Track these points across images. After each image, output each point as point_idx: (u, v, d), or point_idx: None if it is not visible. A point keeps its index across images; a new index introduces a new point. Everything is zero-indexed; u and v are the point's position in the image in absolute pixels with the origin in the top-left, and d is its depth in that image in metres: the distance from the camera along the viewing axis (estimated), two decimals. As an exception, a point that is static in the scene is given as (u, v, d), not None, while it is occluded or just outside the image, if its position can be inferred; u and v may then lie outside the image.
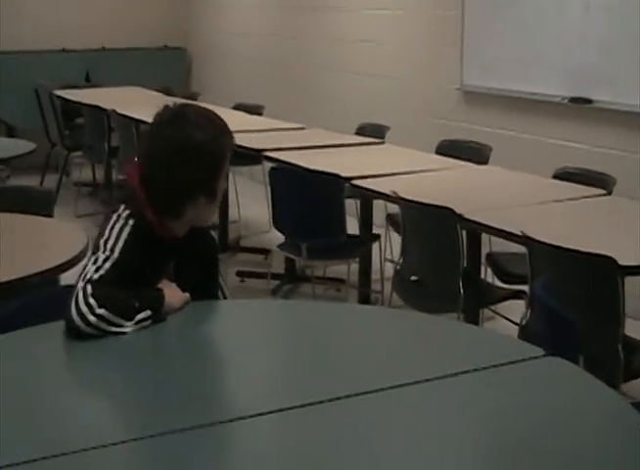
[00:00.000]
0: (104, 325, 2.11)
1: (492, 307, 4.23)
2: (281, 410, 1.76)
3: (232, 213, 6.37)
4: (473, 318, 4.10)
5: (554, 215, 3.69)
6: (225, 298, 2.56)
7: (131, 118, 6.31)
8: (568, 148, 5.21)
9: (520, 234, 3.21)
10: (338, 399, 1.80)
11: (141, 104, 6.88)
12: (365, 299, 4.99)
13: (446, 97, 6.12)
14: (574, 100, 5.12)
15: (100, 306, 2.10)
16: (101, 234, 2.26)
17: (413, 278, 3.89)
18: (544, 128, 5.39)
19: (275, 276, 5.52)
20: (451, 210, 3.57)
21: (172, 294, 2.26)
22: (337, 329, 2.32)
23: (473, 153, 4.94)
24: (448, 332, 2.26)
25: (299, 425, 1.74)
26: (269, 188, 4.72)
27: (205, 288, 2.46)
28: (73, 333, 2.11)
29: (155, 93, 7.81)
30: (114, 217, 2.29)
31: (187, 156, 2.25)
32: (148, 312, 2.17)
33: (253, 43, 8.40)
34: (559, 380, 1.90)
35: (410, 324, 2.36)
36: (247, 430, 1.73)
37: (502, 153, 5.12)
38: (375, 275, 5.02)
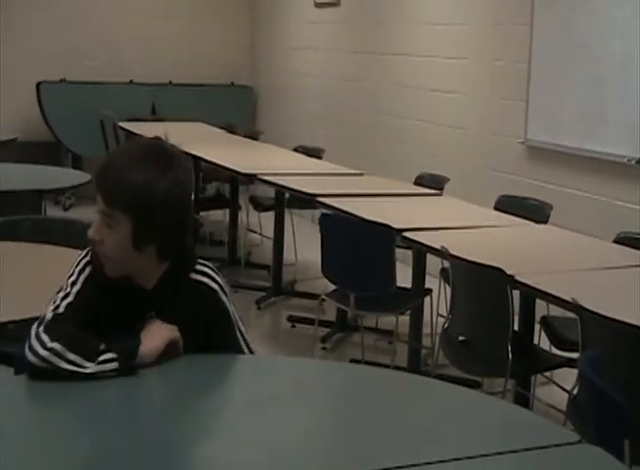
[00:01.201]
0: (57, 360, 1.99)
1: (546, 374, 4.07)
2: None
3: (289, 256, 6.32)
4: (523, 384, 3.96)
5: (610, 283, 3.53)
6: (251, 352, 2.32)
7: (191, 155, 6.32)
8: (633, 211, 5.04)
9: (570, 301, 3.07)
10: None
11: (203, 140, 6.92)
12: (414, 354, 4.85)
13: (509, 151, 6.01)
14: (642, 161, 4.98)
15: (52, 340, 1.99)
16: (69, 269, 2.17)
17: (460, 338, 3.76)
18: (608, 189, 5.24)
19: (325, 324, 5.43)
20: (501, 270, 3.44)
21: (152, 339, 2.09)
22: (378, 397, 2.21)
23: (532, 210, 4.81)
24: (488, 409, 2.14)
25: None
26: (320, 235, 4.66)
27: (214, 344, 2.24)
28: (28, 371, 2.01)
29: (217, 130, 7.85)
30: (83, 253, 2.19)
31: (150, 203, 2.08)
32: (111, 355, 2.02)
33: (319, 85, 8.41)
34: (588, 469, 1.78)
35: (449, 397, 2.24)
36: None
37: (563, 212, 4.98)
38: (426, 329, 4.89)
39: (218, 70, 9.37)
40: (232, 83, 9.48)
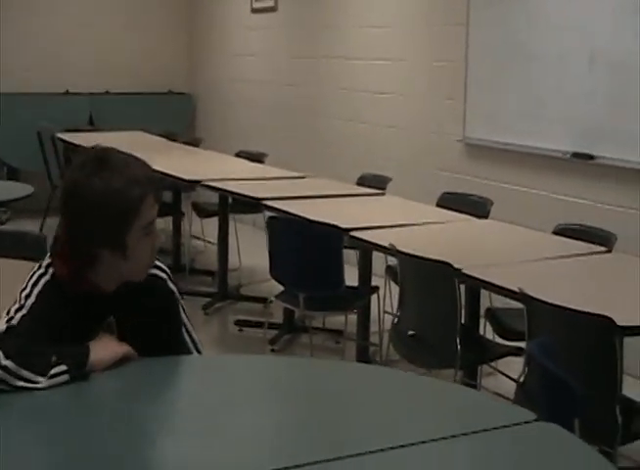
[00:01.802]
0: (11, 378, 1.98)
1: (492, 364, 4.17)
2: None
3: (233, 261, 6.35)
4: (471, 375, 4.05)
5: (553, 272, 3.65)
6: (199, 352, 2.37)
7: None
8: (569, 203, 5.19)
9: (517, 291, 3.16)
10: (327, 460, 1.76)
11: (143, 148, 6.84)
12: (363, 351, 4.93)
13: (449, 149, 6.12)
14: (577, 155, 5.12)
15: (6, 358, 1.98)
16: (24, 283, 2.16)
17: (410, 333, 3.84)
18: (546, 183, 5.38)
19: (274, 326, 5.47)
20: (449, 264, 3.53)
21: (102, 348, 2.11)
22: (331, 388, 2.27)
23: (474, 206, 4.92)
24: (442, 393, 2.21)
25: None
26: (267, 237, 4.70)
27: (166, 344, 2.28)
28: None
29: (157, 138, 7.84)
30: (37, 266, 2.19)
31: (81, 209, 2.10)
32: (63, 367, 2.02)
33: (258, 91, 8.45)
34: (550, 447, 1.85)
35: (404, 384, 2.31)
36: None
37: (503, 207, 5.10)
38: (374, 327, 4.97)
39: (156, 78, 9.34)
40: (170, 91, 9.46)
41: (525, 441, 1.88)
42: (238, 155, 6.97)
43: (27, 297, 2.12)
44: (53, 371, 2.01)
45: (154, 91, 9.29)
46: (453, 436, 1.88)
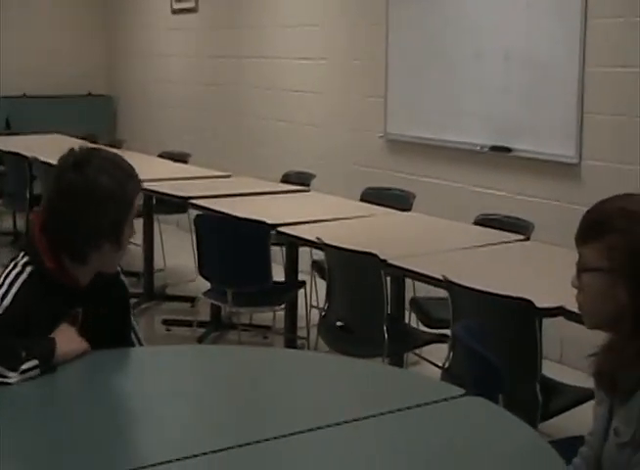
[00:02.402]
0: None
1: (417, 352, 4.27)
2: (205, 454, 1.75)
3: (158, 262, 6.34)
4: (397, 363, 4.15)
5: (475, 260, 3.77)
6: (141, 344, 2.49)
7: (54, 166, 6.25)
8: (489, 195, 5.34)
9: (442, 278, 3.27)
10: (259, 442, 1.81)
11: (63, 151, 6.83)
12: (291, 345, 4.99)
13: (371, 145, 6.23)
14: (495, 148, 5.27)
15: None
16: None
17: (339, 324, 3.91)
18: (466, 176, 5.52)
19: (202, 324, 5.49)
20: (375, 255, 3.62)
21: (67, 341, 2.18)
22: (261, 373, 2.33)
23: (396, 200, 5.03)
24: (371, 374, 2.29)
25: (224, 468, 1.74)
26: (194, 236, 4.72)
27: (119, 335, 2.40)
28: None
29: (77, 141, 7.75)
30: (12, 265, 2.24)
31: (90, 201, 2.19)
32: (34, 362, 2.08)
33: (179, 91, 8.44)
34: (480, 418, 1.94)
35: (333, 367, 2.38)
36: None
37: (425, 200, 5.22)
38: (301, 322, 5.03)
39: (74, 81, 9.25)
40: (89, 93, 9.38)
41: (456, 414, 1.97)
42: (161, 156, 6.96)
43: (5, 295, 2.17)
44: (24, 366, 2.06)
45: (73, 93, 9.19)
46: (383, 413, 1.94)
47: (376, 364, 2.66)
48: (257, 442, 1.80)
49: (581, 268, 1.86)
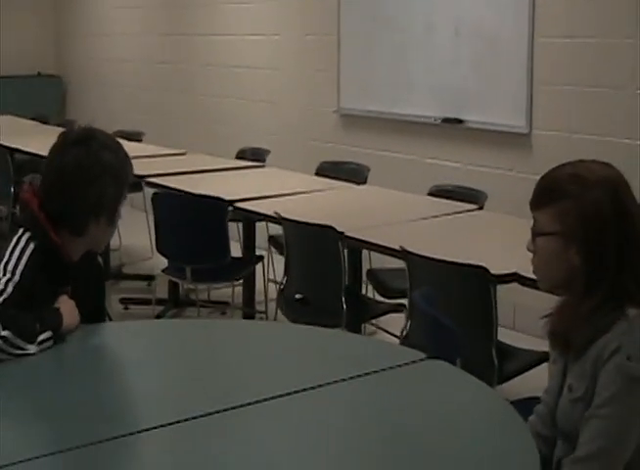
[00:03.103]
0: (9, 348, 2.10)
1: (374, 322, 4.34)
2: (170, 424, 1.79)
3: (113, 242, 6.31)
4: (355, 333, 4.21)
5: (430, 230, 3.83)
6: (110, 319, 2.63)
7: (5, 147, 6.21)
8: (442, 166, 5.41)
9: (398, 249, 3.33)
10: (226, 410, 1.85)
11: (15, 133, 6.78)
12: (250, 319, 5.03)
13: (324, 120, 6.26)
14: (447, 120, 5.33)
15: (4, 329, 2.09)
16: (1, 258, 2.26)
17: (297, 296, 3.96)
18: (419, 148, 5.58)
19: (159, 302, 5.50)
20: (332, 228, 3.66)
21: (70, 314, 2.27)
22: (222, 344, 2.37)
23: (351, 173, 5.08)
24: (334, 342, 2.34)
25: (190, 438, 1.77)
26: (152, 214, 4.73)
27: (94, 312, 2.48)
28: None
29: (29, 122, 7.70)
30: (15, 240, 2.30)
31: (94, 173, 2.29)
32: (49, 333, 2.17)
33: (130, 70, 8.38)
34: (442, 380, 2.00)
35: (296, 335, 2.43)
36: (140, 444, 1.76)
37: (380, 173, 5.28)
38: (259, 296, 5.07)
39: (23, 61, 9.13)
40: (39, 73, 9.27)
41: (419, 377, 2.03)
42: (114, 135, 6.91)
43: (14, 270, 2.22)
44: (41, 337, 2.16)
45: (22, 74, 9.08)
46: (347, 379, 1.99)
47: (339, 332, 2.71)
48: (225, 410, 1.84)
49: (536, 233, 1.93)
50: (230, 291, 5.19)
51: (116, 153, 2.34)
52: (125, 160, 2.37)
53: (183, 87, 7.72)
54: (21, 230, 2.32)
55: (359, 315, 4.00)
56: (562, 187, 1.88)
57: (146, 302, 5.44)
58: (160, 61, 7.98)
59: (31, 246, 2.28)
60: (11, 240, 2.31)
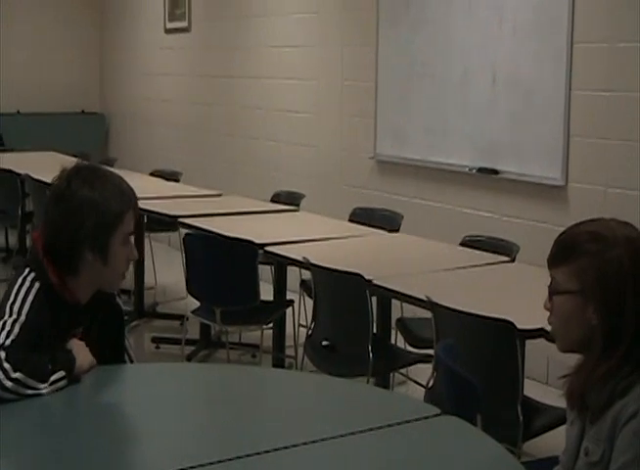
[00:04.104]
0: (21, 389, 2.10)
1: (403, 371, 4.30)
2: (192, 467, 1.79)
3: (148, 280, 6.37)
4: (383, 382, 4.18)
5: (459, 281, 3.80)
6: (132, 362, 2.56)
7: (45, 183, 6.30)
8: (475, 216, 5.38)
9: (425, 299, 3.30)
10: (241, 457, 1.84)
11: (56, 169, 6.87)
12: (279, 364, 5.02)
13: (360, 166, 6.27)
14: (482, 170, 5.31)
15: (15, 371, 2.09)
16: (7, 298, 2.26)
17: (324, 343, 3.94)
18: (453, 197, 5.57)
19: (191, 342, 5.51)
20: (360, 275, 3.65)
21: (83, 355, 2.26)
22: (245, 391, 2.36)
23: (385, 220, 5.07)
24: (351, 393, 2.32)
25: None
26: (184, 254, 4.75)
27: (112, 353, 2.47)
28: None
29: (70, 158, 7.80)
30: (20, 281, 2.30)
31: (70, 209, 2.27)
32: (62, 373, 2.17)
33: (171, 110, 8.49)
34: (451, 437, 1.97)
35: (315, 386, 2.41)
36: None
37: (413, 221, 5.27)
38: (289, 341, 5.06)
39: (68, 98, 9.30)
40: (83, 111, 9.43)
41: (428, 433, 2.00)
42: (152, 174, 7.01)
43: (20, 310, 2.22)
44: (53, 377, 2.15)
45: (66, 111, 9.24)
46: (357, 432, 1.98)
47: (356, 383, 2.70)
48: (240, 457, 1.84)
49: (553, 291, 1.90)
50: (264, 333, 5.19)
51: (96, 188, 2.28)
52: (110, 194, 2.29)
53: (222, 129, 7.79)
54: (27, 270, 2.32)
55: (387, 364, 3.98)
56: (581, 245, 1.85)
57: (177, 341, 5.45)
58: (200, 102, 8.08)
59: (36, 285, 2.28)
60: (16, 280, 2.31)
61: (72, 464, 1.88)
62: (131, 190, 2.38)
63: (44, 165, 6.89)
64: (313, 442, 1.93)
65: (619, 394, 1.79)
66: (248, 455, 1.85)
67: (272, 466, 1.85)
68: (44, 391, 2.13)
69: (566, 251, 1.88)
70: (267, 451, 1.87)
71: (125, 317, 2.59)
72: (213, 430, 2.09)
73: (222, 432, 2.07)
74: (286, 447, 1.90)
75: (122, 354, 2.54)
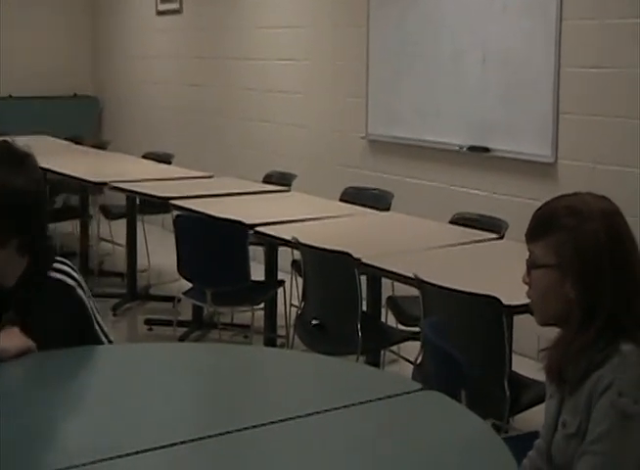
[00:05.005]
0: None
1: (394, 349, 4.31)
2: (173, 445, 1.79)
3: (141, 262, 6.38)
4: (373, 360, 4.19)
5: (447, 259, 3.81)
6: (110, 342, 2.43)
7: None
8: (466, 194, 5.38)
9: (412, 277, 3.31)
10: (229, 432, 1.86)
11: (49, 152, 6.86)
12: (270, 343, 5.03)
13: (352, 145, 6.27)
14: (473, 148, 5.31)
15: None
16: None
17: (314, 322, 3.95)
18: (445, 176, 5.57)
19: (183, 324, 5.52)
20: (349, 254, 3.66)
21: (7, 340, 2.18)
22: (231, 369, 2.37)
23: (375, 199, 5.07)
24: (336, 371, 2.33)
25: (196, 457, 1.78)
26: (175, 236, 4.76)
27: (83, 339, 2.34)
28: None
29: (64, 142, 7.80)
30: None
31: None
32: None
33: (164, 92, 8.47)
34: (431, 412, 1.98)
35: (303, 364, 2.42)
36: (141, 464, 1.76)
37: (405, 199, 5.27)
38: (281, 321, 5.07)
39: (60, 82, 9.26)
40: (75, 94, 9.39)
41: (409, 407, 2.01)
42: (145, 156, 7.00)
43: None
44: None
45: (59, 94, 9.21)
46: (337, 408, 1.99)
47: (343, 361, 2.71)
48: (228, 432, 1.85)
49: (531, 265, 1.91)
50: (256, 314, 5.20)
51: (29, 173, 2.27)
52: (32, 183, 2.27)
53: (214, 110, 7.78)
54: None
55: (376, 342, 3.99)
56: (558, 219, 1.86)
57: (170, 323, 5.47)
58: (192, 84, 8.06)
59: None
60: None
61: (54, 438, 1.89)
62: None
63: (37, 150, 6.85)
64: (298, 416, 1.94)
65: (596, 366, 1.79)
66: (237, 430, 1.86)
67: (261, 441, 1.86)
68: None
69: (543, 225, 1.89)
70: (255, 426, 1.88)
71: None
72: (200, 406, 2.10)
73: (209, 408, 2.08)
74: (272, 422, 1.91)
75: (95, 339, 2.39)
